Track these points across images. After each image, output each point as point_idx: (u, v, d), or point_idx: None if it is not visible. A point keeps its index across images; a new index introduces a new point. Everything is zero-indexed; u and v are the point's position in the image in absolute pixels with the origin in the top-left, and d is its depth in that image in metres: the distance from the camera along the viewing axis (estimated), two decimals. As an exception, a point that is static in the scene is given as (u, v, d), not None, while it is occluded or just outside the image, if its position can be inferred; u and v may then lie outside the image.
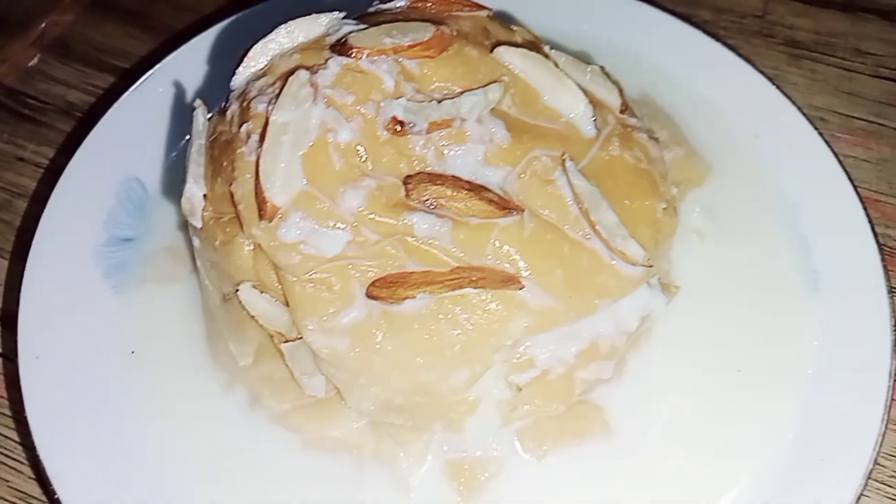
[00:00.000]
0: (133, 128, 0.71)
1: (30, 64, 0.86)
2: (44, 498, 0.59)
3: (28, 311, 0.60)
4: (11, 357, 0.64)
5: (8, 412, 0.63)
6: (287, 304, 0.50)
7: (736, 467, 0.54)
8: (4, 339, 0.66)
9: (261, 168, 0.47)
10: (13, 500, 0.59)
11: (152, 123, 0.71)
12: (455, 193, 0.49)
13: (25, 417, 0.58)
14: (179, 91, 0.73)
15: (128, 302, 0.63)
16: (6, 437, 0.62)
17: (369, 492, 0.54)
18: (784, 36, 0.86)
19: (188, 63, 0.74)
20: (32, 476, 0.60)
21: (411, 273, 0.49)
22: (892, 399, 0.61)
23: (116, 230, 0.66)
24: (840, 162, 0.66)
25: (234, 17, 0.77)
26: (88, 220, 0.66)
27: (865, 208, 0.64)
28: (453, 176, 0.50)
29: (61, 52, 0.87)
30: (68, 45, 0.88)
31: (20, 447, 0.62)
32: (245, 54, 0.53)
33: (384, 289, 0.48)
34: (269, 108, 0.49)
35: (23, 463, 0.61)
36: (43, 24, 0.90)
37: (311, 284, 0.48)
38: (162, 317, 0.62)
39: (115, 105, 0.72)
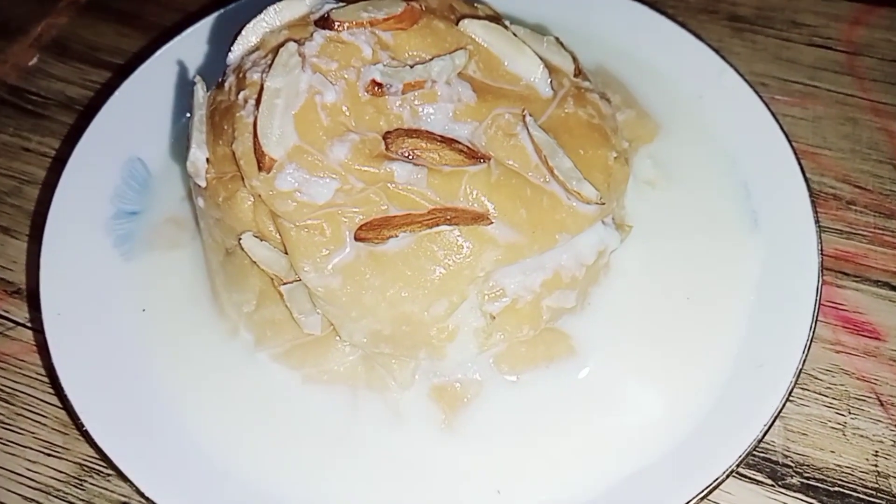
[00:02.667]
0: (133, 113, 0.77)
1: (30, 63, 0.92)
2: (66, 446, 0.65)
3: (48, 279, 0.65)
4: (37, 328, 0.70)
5: (32, 374, 0.69)
6: (284, 251, 0.57)
7: (688, 379, 0.61)
8: (29, 312, 0.72)
9: (258, 127, 0.54)
10: (39, 448, 0.65)
11: (150, 108, 0.78)
12: (429, 145, 0.56)
13: (49, 376, 0.64)
14: (174, 78, 0.80)
15: (136, 267, 0.69)
16: (31, 395, 0.68)
17: (365, 417, 0.60)
18: (727, 12, 0.94)
19: (180, 54, 0.81)
20: (56, 428, 0.66)
21: (393, 216, 0.55)
22: (826, 322, 0.69)
23: (123, 205, 0.72)
24: (774, 115, 0.74)
25: (220, 11, 0.84)
26: (97, 197, 0.72)
27: (797, 154, 0.71)
28: (427, 131, 0.57)
29: (59, 51, 0.93)
30: (65, 45, 0.94)
31: (44, 404, 0.67)
32: (238, 33, 0.60)
33: (370, 231, 0.55)
34: (264, 76, 0.55)
35: (46, 416, 0.67)
36: (40, 27, 0.96)
37: (306, 230, 0.55)
38: (168, 278, 0.68)
39: (116, 93, 0.78)
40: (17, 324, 0.72)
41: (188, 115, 0.77)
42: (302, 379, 0.62)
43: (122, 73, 0.90)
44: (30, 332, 0.71)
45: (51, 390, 0.68)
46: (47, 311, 0.63)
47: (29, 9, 0.98)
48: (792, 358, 0.58)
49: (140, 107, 0.77)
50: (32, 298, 0.72)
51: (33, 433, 0.66)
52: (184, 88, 0.79)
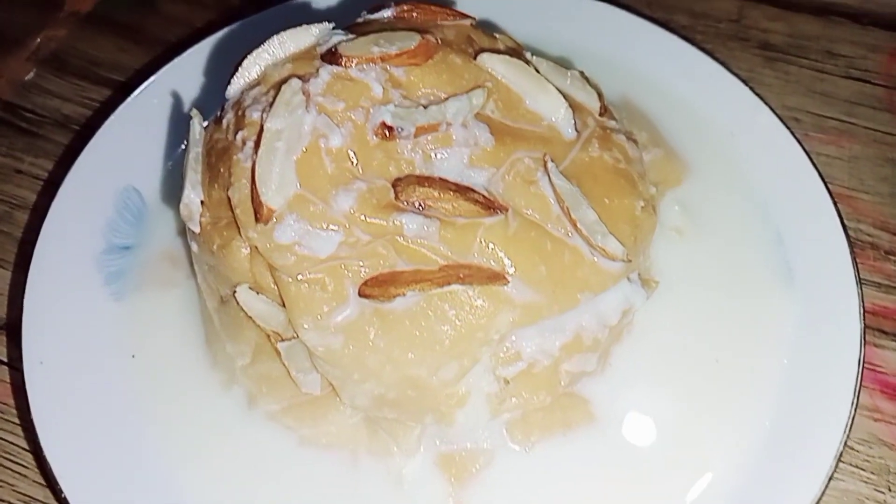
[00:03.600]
0: (129, 138, 0.73)
1: (26, 78, 0.88)
2: (47, 500, 0.61)
3: (31, 319, 0.61)
4: (16, 366, 0.66)
5: (14, 419, 0.65)
6: (283, 305, 0.52)
7: (715, 452, 0.56)
8: (9, 348, 0.68)
9: (256, 173, 0.49)
10: (17, 503, 0.61)
11: (147, 134, 0.73)
12: (442, 195, 0.51)
13: (30, 423, 0.60)
14: (173, 102, 0.76)
15: (127, 308, 0.64)
16: (11, 442, 0.64)
17: (365, 485, 0.56)
18: (758, 39, 0.89)
19: (181, 74, 0.76)
20: (37, 480, 0.62)
21: (401, 272, 0.51)
22: (863, 385, 0.64)
23: (115, 238, 0.68)
24: (811, 159, 0.69)
25: (225, 30, 0.80)
26: (88, 230, 0.68)
27: (836, 203, 0.66)
28: (440, 178, 0.52)
29: (56, 66, 0.89)
30: (63, 59, 0.90)
31: (25, 452, 0.63)
32: (239, 65, 0.56)
33: (376, 287, 0.51)
34: (264, 115, 0.51)
35: (27, 467, 0.62)
36: (38, 39, 0.92)
37: (306, 284, 0.51)
38: (161, 321, 0.64)
39: (112, 117, 0.74)
40: (2, 363, 0.68)
41: (184, 146, 0.73)
42: (299, 440, 0.57)
43: (122, 90, 0.86)
44: (13, 372, 0.67)
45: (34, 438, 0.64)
46: (29, 360, 0.59)
47: (27, 19, 0.94)
48: (833, 434, 0.54)
49: (137, 131, 0.73)
50: (14, 334, 0.68)
51: (13, 486, 0.62)
52: (185, 113, 0.75)
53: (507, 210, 0.53)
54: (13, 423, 0.65)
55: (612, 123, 0.62)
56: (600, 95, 0.62)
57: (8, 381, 0.67)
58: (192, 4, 0.95)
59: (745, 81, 0.75)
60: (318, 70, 0.53)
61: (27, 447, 0.63)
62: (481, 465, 0.56)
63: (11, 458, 0.63)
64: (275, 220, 0.49)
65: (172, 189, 0.72)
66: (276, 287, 0.52)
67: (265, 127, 0.50)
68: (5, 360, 0.68)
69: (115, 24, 0.93)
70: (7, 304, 0.71)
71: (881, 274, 0.71)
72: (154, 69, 0.78)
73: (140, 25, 0.93)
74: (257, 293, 0.53)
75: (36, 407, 0.57)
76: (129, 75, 0.88)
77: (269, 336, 0.54)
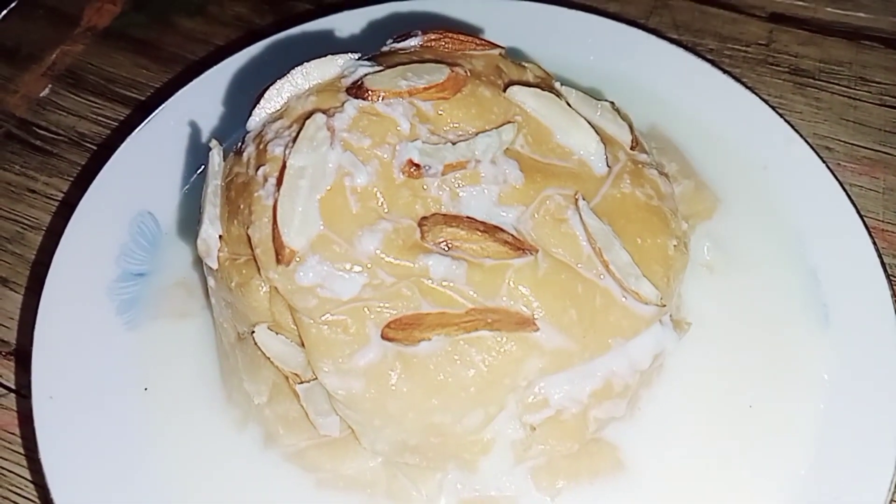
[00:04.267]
0: (145, 162, 0.71)
1: (41, 94, 0.87)
2: (56, 535, 0.59)
3: (42, 350, 0.60)
4: (24, 394, 0.65)
5: (18, 449, 0.63)
6: (302, 346, 0.50)
7: (749, 502, 0.54)
8: (17, 374, 0.67)
9: (278, 212, 0.47)
10: (25, 537, 0.60)
11: (165, 158, 0.72)
12: (470, 235, 0.49)
13: (37, 455, 0.59)
14: (192, 125, 0.74)
15: (141, 338, 0.63)
16: (16, 473, 0.62)
17: (384, 531, 0.54)
18: (789, 64, 0.87)
19: (200, 96, 0.75)
20: (44, 513, 0.61)
21: (426, 315, 0.49)
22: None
23: (129, 265, 0.66)
24: (847, 193, 0.67)
25: (245, 51, 0.78)
26: (101, 256, 0.66)
27: (873, 239, 0.64)
28: (468, 217, 0.50)
29: (72, 82, 0.88)
30: (79, 75, 0.89)
31: (31, 484, 0.62)
32: (261, 95, 0.54)
33: (400, 330, 0.49)
34: (287, 151, 0.49)
35: (32, 501, 0.61)
36: (54, 55, 0.90)
37: (327, 327, 0.49)
38: (175, 353, 0.62)
39: (128, 139, 0.72)
40: (10, 390, 0.66)
41: (200, 170, 0.72)
42: (316, 483, 0.55)
43: (139, 109, 0.85)
44: (24, 401, 0.65)
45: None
46: (38, 395, 0.57)
47: (43, 34, 0.93)
48: (876, 492, 0.51)
49: (154, 155, 0.72)
50: (24, 361, 0.67)
51: (17, 519, 0.60)
52: (204, 137, 0.73)
53: (536, 251, 0.51)
54: (18, 453, 0.63)
55: (644, 157, 0.60)
56: (631, 128, 0.60)
57: (14, 408, 0.65)
58: (210, 22, 0.94)
59: (776, 110, 0.73)
60: (343, 104, 0.51)
61: (31, 478, 0.62)
62: (505, 513, 0.54)
63: (20, 491, 0.61)
64: (297, 261, 0.47)
65: (189, 215, 0.70)
66: (295, 327, 0.50)
67: (288, 164, 0.49)
68: (13, 386, 0.66)
69: (132, 40, 0.92)
70: (17, 328, 0.69)
71: (919, 313, 0.69)
72: (171, 87, 0.77)
73: (157, 42, 0.92)
74: (276, 333, 0.51)
75: (44, 445, 0.55)
76: (146, 93, 0.87)
77: (287, 377, 0.52)
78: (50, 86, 0.88)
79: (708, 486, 0.55)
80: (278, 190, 0.48)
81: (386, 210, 0.49)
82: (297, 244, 0.47)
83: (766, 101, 0.73)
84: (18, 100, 0.87)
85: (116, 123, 0.84)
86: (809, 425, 0.56)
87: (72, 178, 0.80)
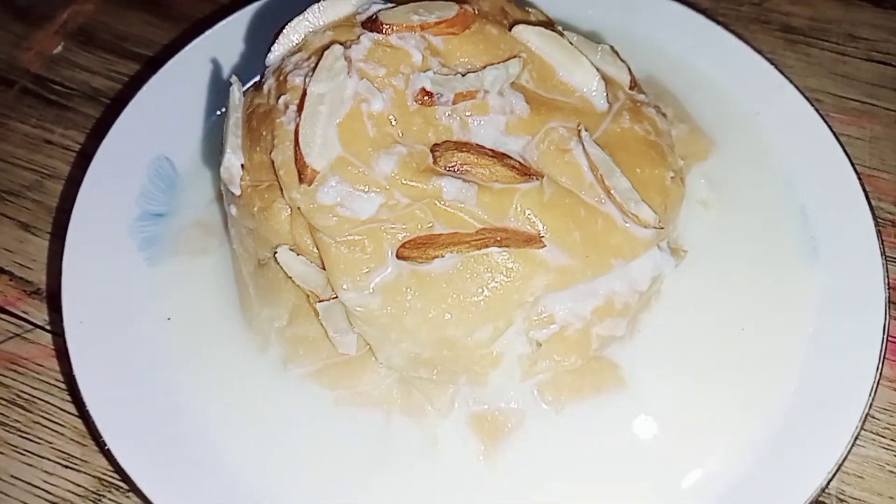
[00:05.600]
0: (160, 110, 0.74)
1: (54, 52, 0.89)
2: (85, 458, 0.62)
3: (70, 282, 0.62)
4: (56, 331, 0.68)
5: (52, 381, 0.66)
6: (322, 266, 0.53)
7: (742, 417, 0.57)
8: (50, 315, 0.69)
9: (300, 135, 0.50)
10: (57, 460, 0.62)
11: (180, 105, 0.74)
12: (479, 160, 0.52)
13: (68, 384, 0.62)
14: (205, 74, 0.76)
15: (162, 273, 0.66)
16: (50, 403, 0.65)
17: (399, 444, 0.57)
18: (780, 22, 0.90)
19: (213, 48, 0.77)
20: (73, 438, 0.63)
21: (439, 235, 0.52)
22: (886, 357, 0.65)
23: (148, 206, 0.69)
24: (835, 135, 0.70)
25: (256, 4, 0.80)
26: (122, 197, 0.69)
27: (860, 177, 0.67)
28: (477, 144, 0.53)
29: (84, 40, 0.90)
30: (91, 33, 0.91)
31: (62, 412, 0.64)
32: (279, 32, 0.57)
33: (414, 249, 0.52)
34: (306, 80, 0.52)
35: (64, 426, 0.64)
36: (65, 14, 0.93)
37: (346, 246, 0.52)
38: (195, 286, 0.65)
39: (143, 88, 0.75)
40: (37, 326, 0.69)
41: (219, 112, 0.74)
42: (334, 400, 0.58)
43: (149, 64, 0.87)
44: (49, 336, 0.68)
45: (69, 398, 0.65)
46: (69, 319, 0.60)
47: (56, -6, 0.95)
48: (857, 400, 0.55)
49: (169, 103, 0.74)
50: (53, 300, 0.70)
51: (51, 443, 0.63)
52: (215, 85, 0.76)
53: (542, 176, 0.54)
54: (47, 382, 0.66)
55: (642, 97, 0.63)
56: (630, 70, 0.63)
57: (41, 342, 0.68)
58: (217, -19, 0.96)
59: (769, 59, 0.76)
60: (359, 37, 0.54)
61: (65, 408, 0.65)
62: (513, 425, 0.57)
63: (50, 417, 0.64)
64: (318, 181, 0.50)
65: (204, 159, 0.73)
66: (315, 249, 0.53)
67: (308, 91, 0.51)
68: (39, 323, 0.69)
69: (141, -1, 0.95)
70: (46, 272, 0.72)
71: (902, 250, 0.72)
72: (181, 44, 0.79)
73: (165, 1, 0.94)
74: (297, 254, 0.54)
75: (77, 364, 0.58)
76: (156, 49, 0.89)
77: (307, 296, 0.55)
78: (62, 43, 0.90)
79: (702, 402, 0.58)
80: (299, 115, 0.51)
81: (400, 135, 0.52)
82: (319, 165, 0.50)
83: (757, 50, 0.76)
84: (32, 56, 0.89)
85: (128, 78, 0.87)
86: (797, 347, 0.60)
87: (87, 131, 0.82)
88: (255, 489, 0.56)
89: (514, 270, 0.52)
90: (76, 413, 0.64)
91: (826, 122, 0.71)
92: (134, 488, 0.54)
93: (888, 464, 0.61)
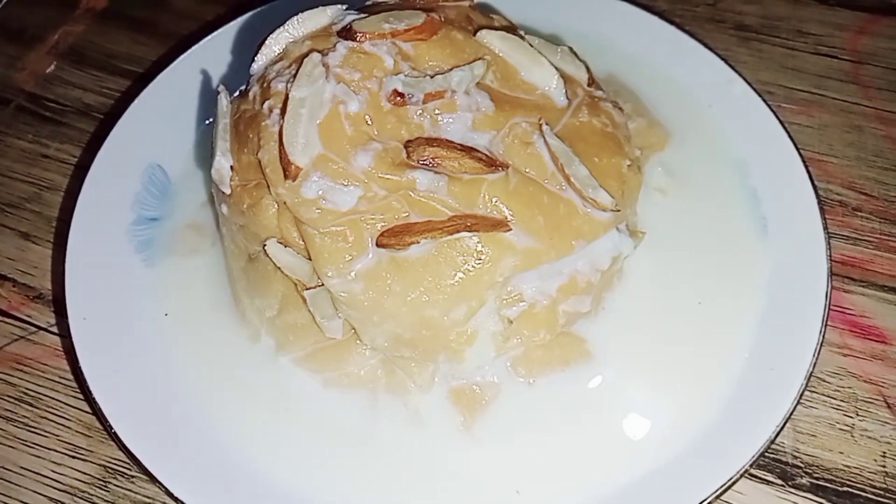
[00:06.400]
0: (152, 121, 0.78)
1: (47, 71, 0.94)
2: (90, 448, 0.66)
3: (73, 283, 0.67)
4: (60, 332, 0.72)
5: (57, 378, 0.70)
6: (308, 257, 0.58)
7: (701, 381, 0.62)
8: (45, 315, 0.73)
9: (284, 136, 0.55)
10: (64, 451, 0.66)
11: (169, 116, 0.79)
12: (449, 153, 0.57)
13: (76, 379, 0.65)
14: (191, 86, 0.81)
15: (158, 272, 0.70)
16: (49, 396, 0.69)
17: (385, 420, 0.62)
18: (734, 21, 0.96)
19: (199, 62, 0.82)
20: (79, 431, 0.67)
21: (414, 223, 0.57)
22: (834, 326, 0.71)
23: (143, 211, 0.74)
24: (782, 124, 0.75)
25: (237, 21, 0.85)
26: (118, 203, 0.73)
27: (805, 162, 0.73)
28: (447, 139, 0.58)
29: (75, 59, 0.95)
30: (81, 52, 0.95)
31: (67, 407, 0.68)
32: (262, 43, 0.61)
33: (392, 237, 0.56)
34: (288, 86, 0.57)
35: (69, 419, 0.68)
36: (57, 35, 0.97)
37: (329, 236, 0.56)
38: (190, 283, 0.69)
39: (135, 102, 0.79)
40: (40, 328, 0.73)
41: (207, 122, 0.79)
42: (323, 382, 0.63)
43: (139, 80, 0.92)
44: (52, 337, 0.72)
45: (74, 394, 0.69)
46: (73, 315, 0.64)
47: (45, 17, 0.99)
48: (802, 361, 0.60)
49: (159, 114, 0.79)
50: (55, 303, 0.74)
51: (58, 436, 0.67)
52: (203, 95, 0.81)
53: (507, 167, 0.59)
54: (55, 381, 0.70)
55: (600, 93, 0.68)
56: (588, 69, 0.68)
57: (44, 343, 0.72)
58: (201, 0, 1.01)
59: (721, 56, 0.81)
60: (335, 45, 0.58)
61: (70, 403, 0.69)
62: (489, 397, 0.62)
63: (56, 412, 0.68)
64: (301, 177, 0.55)
65: (195, 165, 0.77)
66: (301, 241, 0.58)
67: (290, 95, 0.56)
68: (48, 327, 0.73)
69: (129, 19, 0.99)
70: (50, 277, 0.76)
71: (849, 228, 0.78)
72: (168, 60, 0.84)
73: (153, 20, 0.99)
74: (285, 246, 0.59)
75: (83, 357, 0.62)
76: (145, 66, 0.94)
77: (295, 285, 0.60)
78: (55, 63, 0.95)
79: (665, 370, 0.63)
80: (282, 118, 0.56)
81: (376, 133, 0.57)
82: (302, 162, 0.55)
83: (709, 47, 0.81)
84: (26, 76, 0.93)
85: (119, 94, 0.91)
86: (749, 317, 0.65)
87: (82, 144, 0.87)
88: (254, 466, 0.60)
89: (485, 254, 0.57)
90: (81, 407, 0.68)
91: (773, 111, 0.76)
92: (142, 468, 0.58)
93: (838, 422, 0.66)
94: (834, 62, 0.91)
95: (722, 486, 0.56)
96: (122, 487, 0.64)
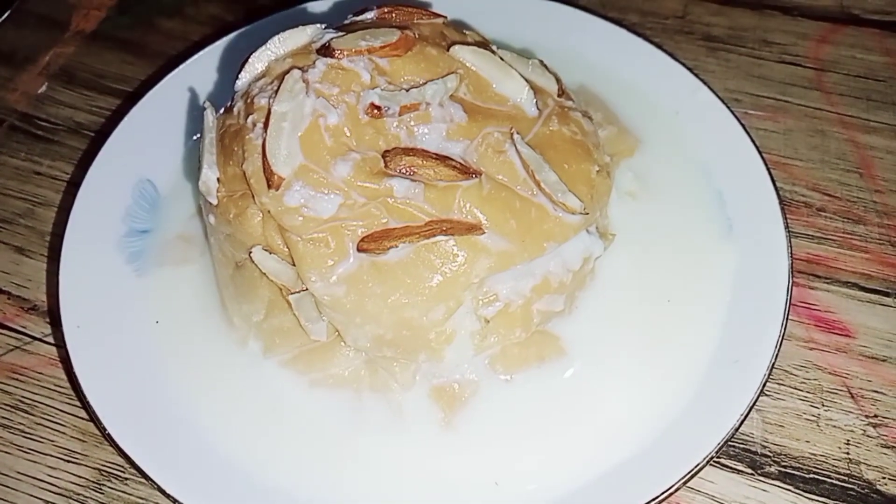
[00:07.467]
0: (141, 137, 0.81)
1: (39, 91, 0.96)
2: (85, 452, 0.69)
3: (66, 293, 0.69)
4: (54, 343, 0.74)
5: (47, 384, 0.72)
6: (292, 262, 0.61)
7: (669, 375, 0.65)
8: (39, 326, 0.76)
9: (267, 148, 0.58)
10: (59, 455, 0.69)
11: (158, 132, 0.82)
12: (425, 162, 0.60)
13: (71, 385, 0.68)
14: (178, 104, 0.84)
15: (149, 282, 0.73)
16: (45, 404, 0.71)
17: (369, 417, 0.64)
18: (702, 32, 1.00)
19: (186, 80, 0.85)
20: (74, 436, 0.69)
21: (393, 228, 0.59)
22: (799, 321, 0.74)
23: (134, 224, 0.76)
24: (745, 129, 0.79)
25: (222, 41, 0.88)
26: (109, 217, 0.76)
27: (767, 165, 0.76)
28: (423, 149, 0.61)
29: (66, 79, 0.97)
30: (72, 73, 0.98)
31: (62, 413, 0.71)
32: (245, 61, 0.64)
33: (372, 242, 0.59)
34: (271, 101, 0.60)
35: (64, 425, 0.70)
36: (48, 56, 1.00)
37: (312, 242, 0.59)
38: (180, 292, 0.72)
39: (125, 119, 0.82)
40: (35, 338, 0.75)
41: (195, 137, 0.82)
42: (309, 383, 0.65)
43: (128, 99, 0.95)
44: (47, 347, 0.75)
45: (68, 400, 0.71)
46: (67, 324, 0.67)
47: (37, 39, 1.02)
48: (765, 352, 0.63)
49: (148, 131, 0.81)
50: (50, 314, 0.76)
51: (53, 441, 0.69)
52: (190, 112, 0.84)
53: (481, 174, 0.62)
54: (50, 389, 0.72)
55: (570, 103, 0.71)
56: (558, 80, 0.71)
57: (38, 353, 0.74)
58: (187, 21, 1.04)
59: (686, 66, 0.85)
60: (314, 62, 0.62)
61: (64, 409, 0.71)
62: (469, 394, 0.64)
63: (51, 418, 0.71)
64: (284, 187, 0.58)
65: (183, 179, 0.80)
66: (285, 248, 0.61)
67: (272, 110, 0.59)
68: (43, 338, 0.75)
69: (118, 40, 1.02)
70: (45, 290, 0.78)
71: (814, 227, 0.81)
72: (157, 79, 0.87)
73: (141, 41, 1.02)
74: (270, 253, 0.61)
75: (77, 363, 0.65)
76: (134, 85, 0.96)
77: (280, 290, 0.63)
78: (46, 83, 0.97)
79: (635, 365, 0.66)
80: (265, 131, 0.59)
81: (354, 144, 0.60)
82: (284, 172, 0.58)
83: (675, 58, 0.85)
84: (18, 96, 0.96)
85: (109, 112, 0.94)
86: (716, 313, 0.68)
87: (74, 161, 0.89)
88: (244, 466, 0.62)
89: (461, 256, 0.60)
90: (75, 413, 0.70)
91: (737, 117, 0.80)
92: (136, 468, 0.60)
93: (805, 413, 0.69)
94: (798, 70, 0.94)
95: (689, 473, 0.59)
96: (116, 489, 0.67)
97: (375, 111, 0.60)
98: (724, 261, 0.71)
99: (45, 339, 0.75)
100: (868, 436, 0.68)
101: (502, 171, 0.63)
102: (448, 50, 0.67)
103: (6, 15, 1.04)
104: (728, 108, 0.80)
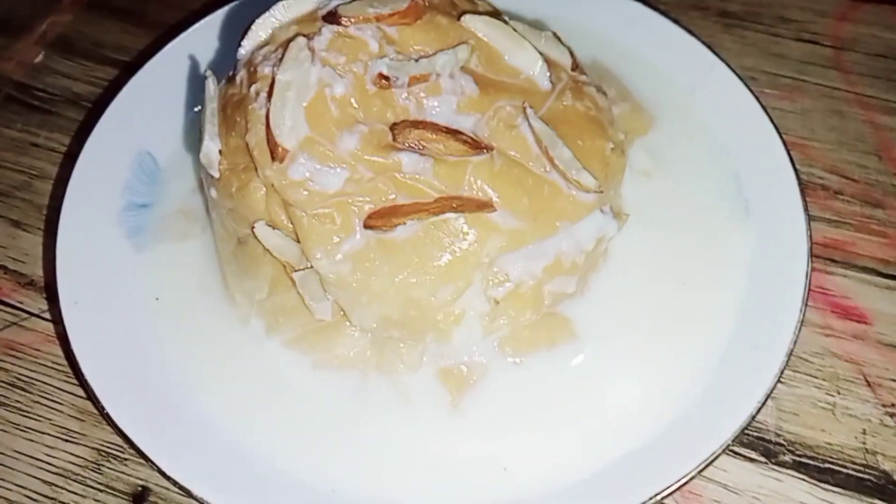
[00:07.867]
0: (141, 108, 0.78)
1: (35, 60, 0.94)
2: (83, 432, 0.67)
3: (64, 269, 0.67)
4: (44, 317, 0.73)
5: (44, 362, 0.71)
6: (296, 239, 0.59)
7: (684, 360, 0.63)
8: (36, 301, 0.74)
9: (270, 118, 0.56)
10: (57, 434, 0.67)
11: (158, 103, 0.79)
12: (435, 136, 0.58)
13: (69, 363, 0.66)
14: (180, 73, 0.81)
15: (149, 258, 0.71)
16: (43, 382, 0.70)
17: (375, 400, 0.62)
18: (717, 8, 0.97)
19: (186, 50, 0.82)
20: (71, 414, 0.68)
21: (401, 205, 0.57)
22: (816, 307, 0.72)
23: (133, 197, 0.74)
24: (764, 108, 0.76)
25: (224, 8, 0.85)
26: (108, 190, 0.73)
27: (785, 144, 0.74)
28: (432, 122, 0.59)
29: (63, 48, 0.95)
30: (69, 42, 0.95)
31: (59, 391, 0.69)
32: (248, 28, 0.62)
33: (379, 219, 0.57)
34: (275, 69, 0.57)
35: (61, 403, 0.69)
36: (44, 24, 0.97)
37: (317, 218, 0.57)
38: (180, 268, 0.70)
39: (124, 89, 0.79)
40: (32, 314, 0.73)
41: (196, 109, 0.80)
42: (313, 364, 0.64)
43: (127, 69, 0.92)
44: (44, 323, 0.73)
45: (66, 378, 0.70)
46: (65, 300, 0.65)
47: (33, 7, 0.99)
48: (784, 339, 0.61)
49: (148, 102, 0.79)
50: (47, 289, 0.74)
51: (51, 420, 0.68)
52: (191, 83, 0.81)
53: (492, 149, 0.59)
54: (48, 366, 0.71)
55: (584, 78, 0.69)
56: (572, 54, 0.69)
57: (36, 329, 0.73)
58: (186, -11, 1.01)
59: (703, 41, 0.82)
60: (320, 29, 0.59)
61: (62, 388, 0.69)
62: (477, 376, 0.63)
63: (49, 396, 0.69)
64: (289, 159, 0.56)
65: (183, 152, 0.78)
66: (289, 223, 0.59)
67: (276, 79, 0.57)
68: (40, 314, 0.73)
69: (116, 9, 0.99)
70: (41, 264, 0.76)
71: (831, 211, 0.79)
72: (156, 48, 0.84)
73: (140, 10, 0.99)
74: (273, 229, 0.59)
75: (75, 340, 0.63)
76: (133, 55, 0.94)
77: (284, 267, 0.61)
78: (43, 52, 0.95)
79: (649, 349, 0.64)
80: (269, 101, 0.56)
81: (362, 116, 0.58)
82: (289, 144, 0.56)
83: (691, 33, 0.82)
84: (14, 66, 0.93)
85: (107, 83, 0.91)
86: (732, 297, 0.66)
87: (71, 133, 0.87)
88: (245, 447, 0.61)
89: (471, 234, 0.58)
90: (73, 392, 0.69)
91: (755, 95, 0.77)
92: (135, 448, 0.59)
93: (820, 401, 0.68)
94: (816, 48, 0.92)
95: (704, 462, 0.57)
96: (114, 470, 0.65)
97: (384, 82, 0.58)
98: (740, 243, 0.69)
99: (42, 315, 0.73)
100: (885, 425, 0.66)
101: (514, 146, 0.61)
102: (459, 19, 0.64)
103: (1, -19, 1.00)
104: (746, 86, 0.78)
